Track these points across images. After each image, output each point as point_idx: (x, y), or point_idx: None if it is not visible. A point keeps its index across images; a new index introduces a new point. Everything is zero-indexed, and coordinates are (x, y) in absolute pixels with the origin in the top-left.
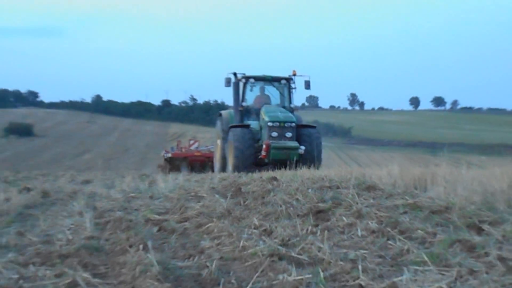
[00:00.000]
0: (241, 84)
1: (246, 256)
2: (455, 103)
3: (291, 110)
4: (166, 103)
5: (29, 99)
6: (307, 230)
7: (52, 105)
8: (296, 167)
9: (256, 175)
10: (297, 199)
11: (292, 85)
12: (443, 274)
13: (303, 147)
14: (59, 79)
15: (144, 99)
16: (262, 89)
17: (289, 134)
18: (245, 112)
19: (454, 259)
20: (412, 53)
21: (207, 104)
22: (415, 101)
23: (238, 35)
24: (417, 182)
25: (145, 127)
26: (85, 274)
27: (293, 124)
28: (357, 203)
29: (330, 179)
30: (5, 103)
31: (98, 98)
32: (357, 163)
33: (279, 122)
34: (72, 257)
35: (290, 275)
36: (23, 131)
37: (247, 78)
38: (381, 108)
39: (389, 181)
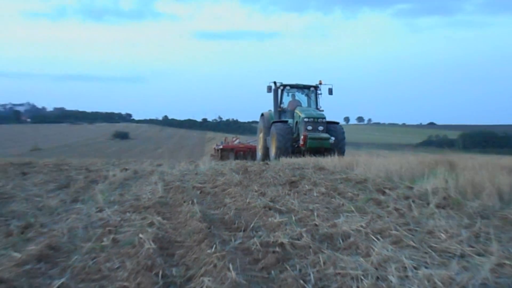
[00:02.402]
0: (279, 91)
1: (250, 208)
2: (370, 120)
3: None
4: (204, 120)
5: (126, 118)
6: (285, 192)
7: (139, 121)
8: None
9: (257, 162)
10: (279, 175)
11: (319, 92)
12: (362, 218)
13: (333, 138)
14: (143, 105)
15: (192, 117)
16: (294, 95)
17: (321, 128)
18: (282, 112)
19: (369, 209)
20: (343, 84)
21: (227, 120)
22: (346, 119)
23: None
24: (348, 165)
25: (192, 134)
26: (158, 217)
27: (324, 120)
28: (313, 177)
29: (298, 164)
30: (113, 120)
31: (165, 117)
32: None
33: (313, 118)
34: (151, 208)
35: (275, 219)
36: (123, 136)
37: (284, 85)
38: None
39: (332, 164)
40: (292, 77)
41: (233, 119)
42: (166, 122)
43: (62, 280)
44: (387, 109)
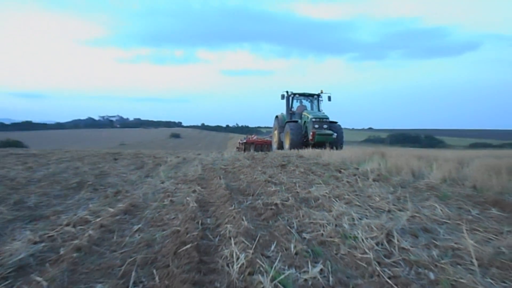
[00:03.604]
0: (290, 98)
1: (256, 181)
2: None
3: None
4: (227, 125)
5: (178, 124)
6: (278, 171)
7: (187, 127)
8: (320, 148)
9: (260, 153)
10: (274, 160)
11: (320, 99)
12: (327, 187)
13: (335, 134)
14: (189, 116)
15: (219, 124)
16: (301, 101)
17: (325, 126)
18: (292, 114)
19: (331, 182)
20: None
21: (242, 126)
22: None
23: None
24: (317, 155)
25: (219, 135)
26: (198, 187)
27: (328, 120)
28: (296, 162)
29: (286, 153)
30: (170, 126)
31: (203, 124)
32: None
33: (320, 118)
34: (194, 181)
35: (272, 188)
36: (176, 136)
37: (294, 94)
38: None
39: (308, 154)
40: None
41: (245, 125)
42: (203, 127)
43: (139, 225)
44: (342, 118)
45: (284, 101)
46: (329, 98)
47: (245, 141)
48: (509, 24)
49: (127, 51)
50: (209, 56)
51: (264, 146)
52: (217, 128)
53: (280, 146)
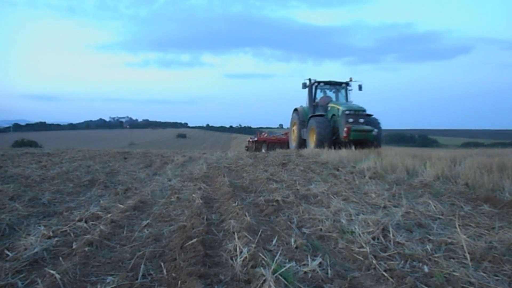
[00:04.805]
0: (313, 88)
1: (258, 179)
2: None
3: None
4: (231, 126)
5: (184, 125)
6: (279, 170)
7: (192, 127)
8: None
9: (262, 152)
10: (275, 159)
11: (349, 88)
12: (325, 185)
13: (376, 130)
14: (194, 117)
15: (223, 125)
16: (325, 92)
17: (361, 120)
18: (315, 107)
19: (330, 180)
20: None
21: (245, 127)
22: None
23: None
24: (316, 154)
25: (223, 135)
26: (203, 184)
27: (365, 112)
28: (296, 161)
29: (287, 153)
30: (177, 126)
31: (208, 124)
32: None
33: (354, 110)
34: (199, 179)
35: (273, 185)
36: (182, 136)
37: (318, 82)
38: None
39: (307, 153)
40: (285, 98)
41: (248, 125)
42: (208, 128)
43: (148, 221)
44: None
45: (302, 94)
46: (360, 87)
47: (256, 139)
48: (499, 28)
49: (136, 56)
50: (213, 60)
51: (278, 145)
52: (221, 129)
53: (301, 144)
